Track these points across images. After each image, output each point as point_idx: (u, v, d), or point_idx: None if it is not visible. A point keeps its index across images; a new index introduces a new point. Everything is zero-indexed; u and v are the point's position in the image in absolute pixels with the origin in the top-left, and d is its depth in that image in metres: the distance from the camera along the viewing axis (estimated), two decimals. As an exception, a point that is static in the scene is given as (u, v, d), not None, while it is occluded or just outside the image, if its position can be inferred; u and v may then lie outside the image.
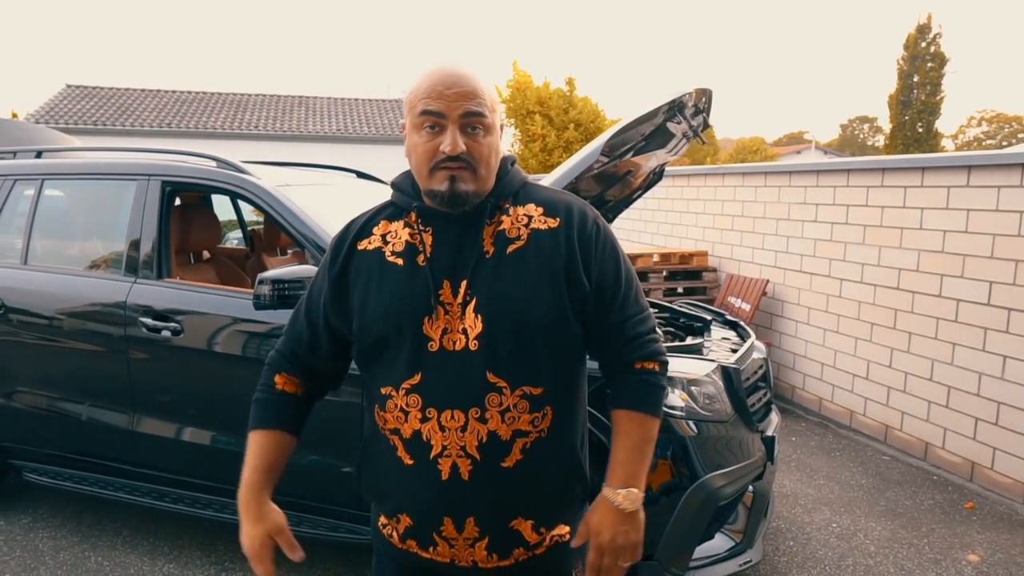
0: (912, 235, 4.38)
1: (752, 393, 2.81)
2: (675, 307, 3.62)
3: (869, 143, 62.79)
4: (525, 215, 1.30)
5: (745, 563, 2.54)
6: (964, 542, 3.34)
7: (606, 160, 2.69)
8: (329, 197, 3.26)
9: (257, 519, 1.33)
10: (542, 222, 1.29)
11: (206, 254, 3.98)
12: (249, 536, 1.32)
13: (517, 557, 1.29)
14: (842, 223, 4.95)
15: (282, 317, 2.63)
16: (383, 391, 1.27)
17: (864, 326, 4.80)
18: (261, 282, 2.49)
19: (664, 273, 6.32)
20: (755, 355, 2.99)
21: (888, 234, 4.56)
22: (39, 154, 3.59)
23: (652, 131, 2.77)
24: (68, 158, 3.66)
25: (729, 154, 44.09)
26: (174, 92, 24.49)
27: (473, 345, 1.22)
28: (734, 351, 2.95)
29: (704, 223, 6.69)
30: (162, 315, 2.84)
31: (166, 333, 2.82)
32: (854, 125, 66.89)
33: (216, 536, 3.20)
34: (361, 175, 4.12)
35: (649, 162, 3.24)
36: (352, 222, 1.38)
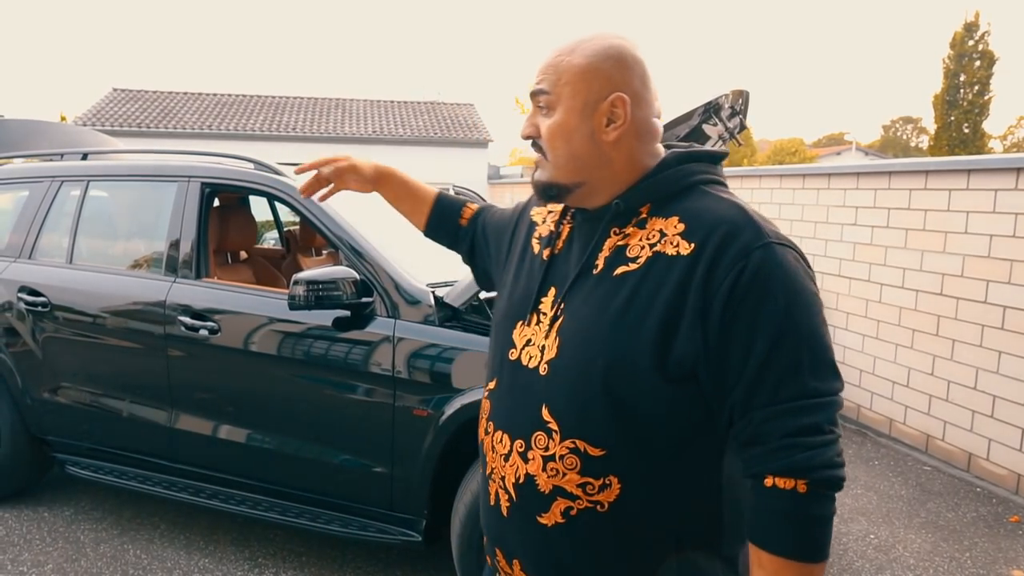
0: (957, 239, 4.25)
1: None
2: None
3: (912, 144, 61.33)
4: (659, 231, 1.00)
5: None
6: (1009, 557, 3.23)
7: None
8: (362, 198, 3.29)
9: (357, 160, 1.46)
10: (672, 244, 0.97)
11: (243, 254, 4.05)
12: (341, 156, 1.45)
13: None
14: (883, 227, 4.83)
15: (316, 317, 2.67)
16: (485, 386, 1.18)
17: (905, 332, 4.68)
18: (296, 283, 2.53)
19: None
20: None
21: (931, 238, 4.43)
22: (85, 156, 3.69)
23: (687, 133, 2.74)
24: (112, 160, 3.76)
25: (767, 155, 43.45)
26: (215, 95, 25.04)
27: (543, 369, 1.03)
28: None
29: (740, 226, 6.59)
30: (200, 314, 2.90)
31: (204, 332, 2.87)
32: (897, 126, 65.43)
33: (250, 532, 3.25)
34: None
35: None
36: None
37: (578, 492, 0.99)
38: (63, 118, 23.82)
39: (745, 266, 0.92)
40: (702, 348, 0.93)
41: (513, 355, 1.08)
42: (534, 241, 1.18)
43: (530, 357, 1.05)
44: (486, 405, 1.13)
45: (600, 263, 1.03)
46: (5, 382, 3.37)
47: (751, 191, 6.39)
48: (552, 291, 1.07)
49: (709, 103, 2.57)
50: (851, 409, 5.21)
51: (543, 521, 1.01)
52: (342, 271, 2.59)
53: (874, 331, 4.96)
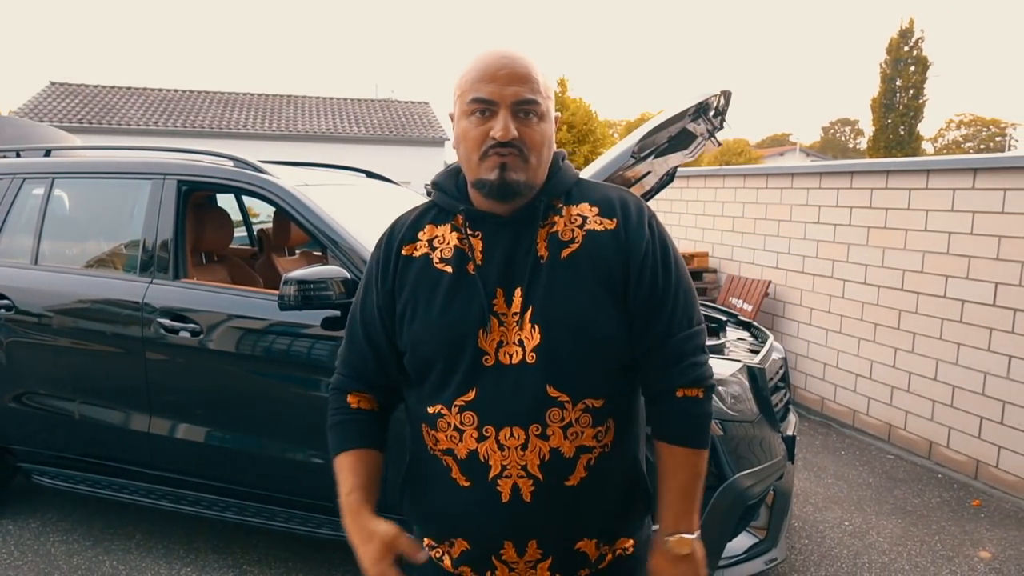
0: (917, 237, 4.43)
1: (774, 393, 2.83)
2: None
3: (851, 146, 63.52)
4: (579, 215, 1.20)
5: (771, 561, 2.56)
6: (974, 539, 3.38)
7: (632, 163, 2.70)
8: (344, 197, 3.24)
9: (367, 538, 1.20)
10: (598, 223, 1.20)
11: (216, 254, 3.93)
12: (366, 556, 1.19)
13: None
14: (845, 225, 5.00)
15: (305, 317, 2.62)
16: (431, 410, 1.18)
17: (867, 327, 4.85)
18: (286, 283, 2.47)
19: (665, 274, 6.33)
20: (775, 355, 3.01)
21: (892, 236, 4.61)
22: (48, 152, 3.53)
23: (676, 133, 2.78)
24: (79, 156, 3.61)
25: (713, 156, 44.36)
26: (161, 90, 24.25)
27: (531, 358, 1.14)
28: (753, 351, 2.97)
29: (704, 224, 6.73)
30: (180, 315, 2.81)
31: (184, 334, 2.79)
32: (836, 127, 67.65)
33: (232, 538, 3.17)
34: (371, 175, 4.10)
35: (665, 165, 3.26)
36: (394, 226, 1.29)
37: (593, 443, 1.17)
38: (-4, 113, 22.72)
39: (651, 229, 1.22)
40: (641, 291, 1.18)
41: (489, 361, 1.16)
42: (437, 265, 1.21)
43: (509, 355, 1.15)
44: (469, 416, 1.15)
45: (544, 253, 1.17)
46: (-35, 389, 3.20)
47: (715, 190, 6.52)
48: (499, 293, 1.16)
49: (700, 103, 2.62)
50: (815, 402, 5.38)
51: (570, 483, 1.16)
52: (332, 270, 2.54)
53: (837, 326, 5.12)
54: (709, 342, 2.98)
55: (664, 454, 1.22)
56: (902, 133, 32.43)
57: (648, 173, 3.18)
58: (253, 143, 21.07)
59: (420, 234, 1.25)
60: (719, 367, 2.59)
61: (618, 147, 2.73)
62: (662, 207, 7.43)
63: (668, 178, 3.53)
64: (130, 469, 3.02)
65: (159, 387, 2.89)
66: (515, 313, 1.15)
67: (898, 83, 32.57)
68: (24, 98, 22.46)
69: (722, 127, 3.27)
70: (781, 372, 2.99)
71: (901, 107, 32.45)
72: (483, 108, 1.14)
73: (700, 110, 2.68)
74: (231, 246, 4.82)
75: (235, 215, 4.89)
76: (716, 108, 2.99)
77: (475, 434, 1.15)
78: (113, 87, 23.87)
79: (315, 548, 3.09)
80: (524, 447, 1.13)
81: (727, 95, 3.06)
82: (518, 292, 1.16)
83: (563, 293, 1.15)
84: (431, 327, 1.18)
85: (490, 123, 1.14)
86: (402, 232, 1.27)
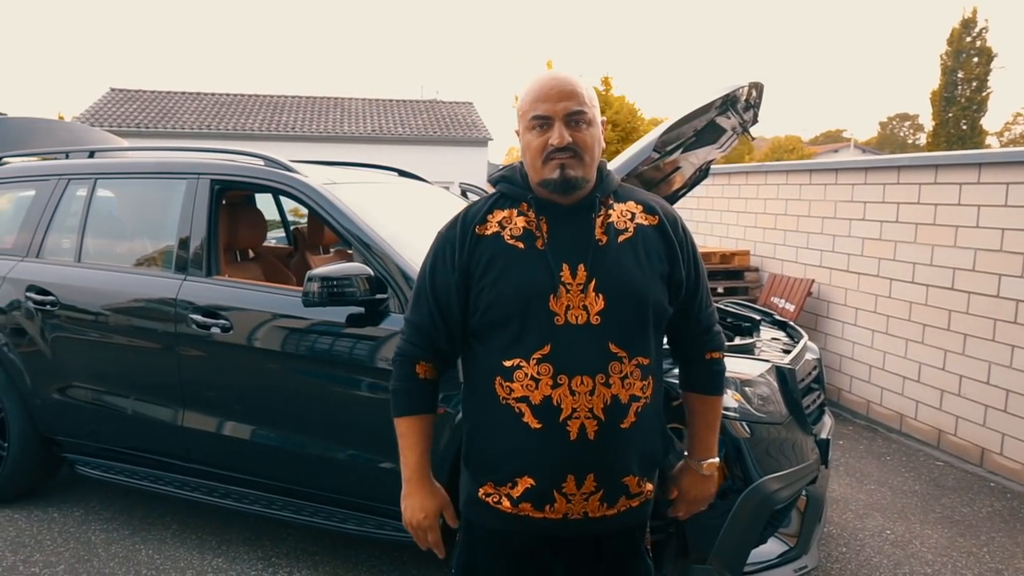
0: (968, 234, 4.24)
1: (806, 395, 2.74)
2: (722, 307, 3.55)
3: (910, 141, 61.33)
4: (629, 211, 1.49)
5: (800, 569, 2.47)
6: (1026, 552, 3.21)
7: (656, 157, 2.65)
8: (374, 195, 3.26)
9: (431, 494, 1.53)
10: (644, 219, 1.49)
11: (251, 252, 4.01)
12: (424, 509, 1.52)
13: (619, 508, 1.45)
14: (892, 221, 4.81)
15: (330, 314, 2.64)
16: (508, 363, 1.40)
17: (915, 327, 4.66)
18: (310, 279, 2.50)
19: (705, 273, 6.21)
20: (808, 356, 2.91)
21: (942, 232, 4.42)
22: (92, 154, 3.66)
23: (703, 126, 2.71)
24: (120, 158, 3.73)
25: (764, 153, 43.39)
26: (213, 94, 24.96)
27: (595, 320, 1.39)
28: (785, 352, 2.88)
29: (745, 222, 6.58)
30: (211, 312, 2.87)
31: (215, 330, 2.84)
32: (894, 123, 65.43)
33: (263, 531, 3.23)
34: (403, 174, 4.12)
35: (696, 159, 3.18)
36: (466, 213, 1.50)
37: (640, 393, 1.43)
38: (61, 118, 23.77)
39: (685, 231, 1.54)
40: (683, 278, 1.51)
41: (559, 321, 1.39)
42: (509, 240, 1.44)
43: (576, 317, 1.39)
44: (546, 368, 1.38)
45: (602, 237, 1.43)
46: (14, 382, 3.34)
47: (756, 187, 6.37)
48: (565, 266, 1.40)
49: (727, 95, 2.55)
50: (861, 405, 5.20)
51: (624, 426, 1.41)
52: (356, 267, 2.56)
53: (883, 326, 4.94)
54: (740, 342, 2.91)
55: (695, 402, 1.64)
56: (964, 128, 31.19)
57: (678, 168, 3.11)
58: (301, 145, 21.50)
59: (489, 216, 1.47)
60: (746, 367, 2.51)
61: (640, 142, 2.68)
62: (702, 205, 7.29)
63: (702, 174, 3.45)
64: (165, 461, 3.11)
65: (191, 382, 2.96)
66: (579, 284, 1.40)
67: (960, 75, 31.33)
68: (86, 104, 23.37)
69: (756, 121, 3.19)
70: (815, 373, 2.89)
71: (963, 100, 31.22)
72: (541, 123, 1.41)
73: (727, 103, 2.61)
74: (269, 245, 4.92)
75: (275, 216, 4.99)
76: (747, 101, 2.90)
77: (550, 382, 1.38)
78: (168, 92, 24.67)
79: (342, 543, 3.12)
80: (592, 393, 1.38)
81: (759, 88, 2.97)
82: (581, 267, 1.41)
83: (624, 269, 1.43)
84: (510, 289, 1.40)
85: (548, 134, 1.40)
86: (473, 215, 1.48)
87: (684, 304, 1.53)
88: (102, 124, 20.65)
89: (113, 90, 24.22)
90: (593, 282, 1.40)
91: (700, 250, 5.83)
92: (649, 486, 1.52)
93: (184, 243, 3.05)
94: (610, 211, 1.47)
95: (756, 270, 6.33)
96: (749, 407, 2.42)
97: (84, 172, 3.44)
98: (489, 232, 1.45)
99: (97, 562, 2.97)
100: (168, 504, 3.42)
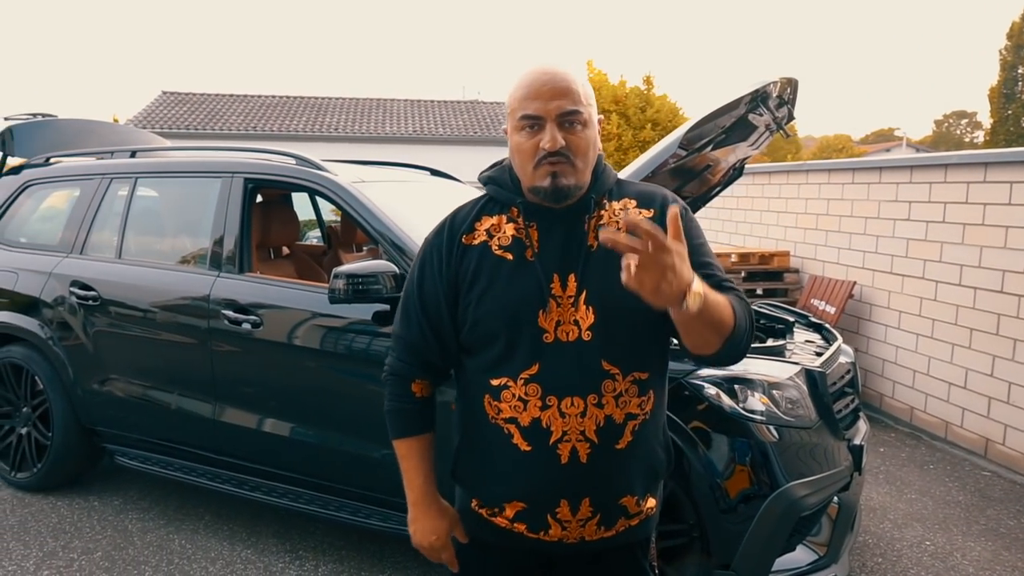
0: (1019, 234, 4.06)
1: (839, 399, 2.66)
2: (755, 308, 3.48)
3: (967, 140, 59.26)
4: (621, 209, 1.36)
5: (829, 578, 2.40)
6: (1077, 568, 3.06)
7: (684, 154, 2.60)
8: (403, 193, 3.29)
9: (441, 515, 1.45)
10: (637, 214, 1.34)
11: (285, 250, 4.09)
12: (435, 531, 1.44)
13: (619, 528, 1.37)
14: (939, 222, 4.64)
15: (356, 311, 2.66)
16: (496, 382, 1.31)
17: (962, 332, 4.48)
18: (336, 276, 2.52)
19: (743, 274, 6.10)
20: (842, 359, 2.83)
21: (991, 233, 4.24)
22: (133, 154, 3.77)
23: (733, 123, 2.65)
24: (159, 157, 3.83)
25: (812, 152, 42.45)
26: (259, 96, 25.53)
27: (587, 335, 1.28)
28: (819, 354, 2.80)
29: (785, 222, 6.43)
30: (243, 308, 2.93)
31: (246, 326, 2.90)
32: (950, 121, 63.30)
33: (291, 525, 3.28)
34: (434, 172, 4.14)
35: (729, 157, 3.12)
36: (452, 219, 1.40)
37: (638, 411, 1.32)
38: (115, 120, 24.59)
39: (685, 212, 1.33)
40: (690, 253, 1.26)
41: (548, 338, 1.29)
42: (497, 251, 1.33)
43: (567, 333, 1.29)
44: (534, 388, 1.29)
45: (594, 243, 1.30)
46: (58, 374, 3.46)
47: (797, 186, 6.22)
48: (556, 278, 1.29)
49: (756, 91, 2.49)
50: (904, 411, 5.03)
51: (619, 447, 1.31)
52: (382, 265, 2.57)
53: (929, 330, 4.77)
54: (770, 343, 2.84)
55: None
56: (1024, 125, 29.97)
57: (708, 167, 3.05)
58: (344, 145, 21.83)
59: (477, 224, 1.37)
60: (775, 369, 2.45)
61: (664, 141, 2.64)
62: (741, 205, 7.16)
63: (736, 172, 3.39)
64: (198, 453, 3.18)
65: (224, 376, 3.02)
66: (570, 296, 1.29)
67: (1020, 71, 30.11)
68: (139, 107, 24.16)
69: (791, 118, 3.11)
70: (848, 377, 2.80)
71: (1023, 96, 29.97)
72: (532, 123, 1.27)
73: (757, 99, 2.55)
74: (307, 243, 5.00)
75: (312, 215, 5.07)
76: (780, 98, 2.84)
77: (539, 403, 1.29)
78: (217, 95, 25.32)
79: (368, 539, 3.15)
80: (583, 414, 1.28)
81: (793, 84, 2.90)
82: (572, 277, 1.29)
83: (614, 277, 1.20)
84: (496, 306, 1.30)
85: (539, 136, 1.27)
86: (460, 223, 1.38)
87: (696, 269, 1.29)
88: (153, 126, 21.31)
89: (165, 93, 24.98)
90: (584, 293, 1.29)
91: (738, 251, 5.74)
92: (651, 502, 1.42)
93: (218, 240, 3.12)
94: (604, 212, 1.35)
95: (796, 271, 6.18)
96: (777, 410, 2.36)
97: (125, 172, 3.55)
98: (476, 242, 1.35)
99: (132, 550, 3.05)
100: (202, 495, 3.51)
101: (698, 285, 1.11)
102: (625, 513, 1.36)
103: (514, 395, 1.29)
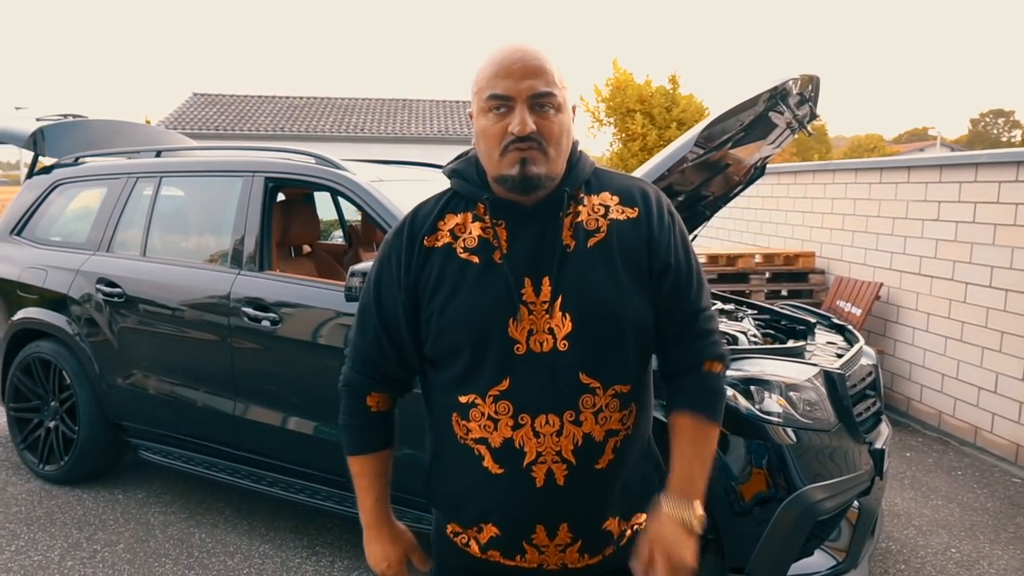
0: (1052, 235, 3.95)
1: (859, 401, 2.61)
2: (776, 309, 3.43)
3: (1004, 139, 57.91)
4: (601, 205, 1.23)
5: (848, 584, 2.36)
6: (1110, 579, 2.97)
7: (701, 152, 2.57)
8: (423, 192, 3.28)
9: (394, 540, 1.35)
10: (620, 212, 1.22)
11: (306, 248, 4.13)
12: (387, 558, 1.33)
13: (606, 554, 1.25)
14: (968, 222, 4.54)
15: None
16: (464, 399, 1.19)
17: (993, 335, 4.37)
18: (352, 274, 2.54)
19: (767, 275, 6.02)
20: (863, 361, 2.77)
21: (1023, 234, 4.13)
22: (158, 154, 3.83)
23: (752, 121, 2.62)
24: (182, 157, 3.89)
25: (843, 152, 41.77)
26: (287, 98, 25.84)
27: (562, 345, 1.16)
28: (839, 356, 2.75)
29: (811, 222, 6.33)
30: (263, 306, 2.96)
31: (266, 323, 2.93)
32: (987, 119, 61.92)
33: (309, 521, 3.31)
34: (454, 172, 4.15)
35: (750, 155, 3.08)
36: (413, 218, 1.26)
37: (619, 426, 1.21)
38: (148, 121, 25.07)
39: (671, 216, 1.25)
40: (667, 276, 1.22)
41: (520, 349, 1.16)
42: (462, 254, 1.20)
43: (540, 343, 1.16)
44: (504, 406, 1.17)
45: (569, 242, 1.18)
46: (85, 370, 3.54)
47: (823, 186, 6.12)
48: (527, 282, 1.17)
49: (775, 88, 2.45)
50: (932, 415, 4.92)
51: (599, 467, 1.19)
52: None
53: (958, 333, 4.66)
54: (791, 344, 2.79)
55: (684, 425, 1.24)
56: (1063, 123, 29.14)
57: (728, 165, 3.01)
58: (370, 146, 21.99)
59: (440, 224, 1.24)
60: (793, 371, 2.41)
61: (681, 139, 2.61)
62: (767, 205, 7.07)
63: (758, 172, 3.34)
64: (219, 449, 3.22)
65: (243, 373, 3.06)
66: (544, 302, 1.16)
67: (1059, 68, 29.27)
68: (171, 108, 24.61)
69: (813, 116, 3.06)
70: (870, 379, 2.75)
71: (1062, 94, 29.17)
72: (500, 104, 1.15)
73: (776, 97, 2.51)
74: (329, 242, 5.04)
75: (335, 215, 5.12)
76: (802, 95, 2.79)
77: (510, 422, 1.17)
78: (246, 96, 25.68)
79: (385, 535, 3.16)
80: (559, 433, 1.16)
81: (815, 81, 2.85)
82: (546, 281, 1.17)
83: (593, 281, 1.17)
84: (460, 316, 1.17)
85: (508, 119, 1.14)
86: (421, 223, 1.25)
87: (673, 305, 1.22)
88: (184, 127, 21.67)
89: (195, 95, 25.39)
90: (559, 299, 1.16)
91: (763, 251, 5.65)
92: (641, 518, 1.29)
93: (239, 239, 3.16)
94: (581, 207, 1.21)
95: (821, 272, 6.09)
96: (794, 412, 2.33)
97: (150, 171, 3.61)
98: (439, 244, 1.21)
99: (154, 543, 3.11)
100: (223, 490, 3.55)
101: (697, 516, 1.19)
102: (610, 539, 1.25)
103: (483, 414, 1.18)
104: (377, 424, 1.32)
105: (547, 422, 1.16)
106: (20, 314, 3.76)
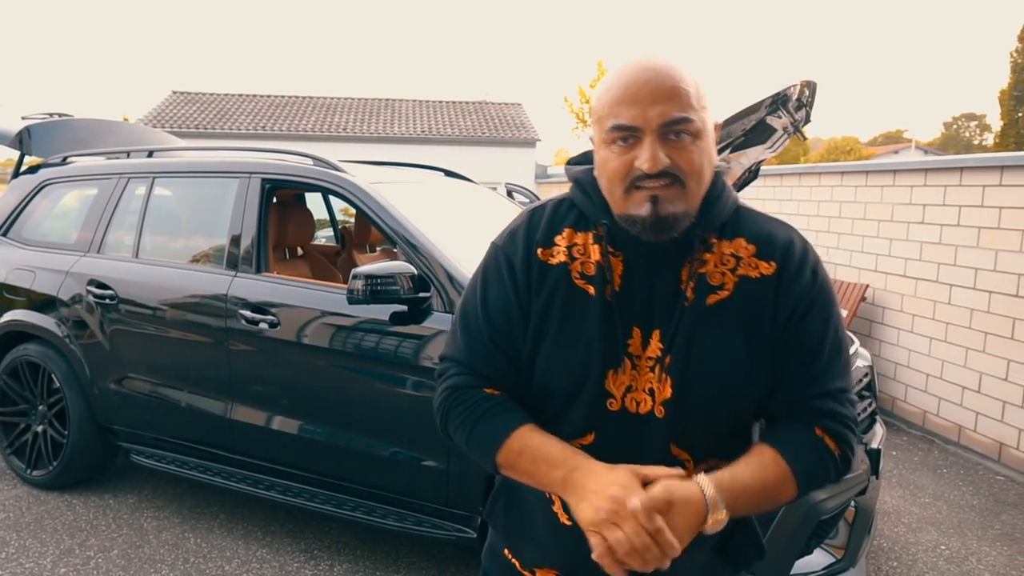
0: (1035, 238, 4.04)
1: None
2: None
3: (976, 142, 59.04)
4: (732, 256, 1.05)
5: (847, 583, 2.40)
6: (1094, 574, 3.05)
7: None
8: (420, 195, 3.30)
9: (610, 466, 1.02)
10: (752, 267, 1.05)
11: (300, 250, 4.10)
12: (616, 480, 0.98)
13: None
14: (953, 225, 4.63)
15: (374, 312, 2.67)
16: None
17: (977, 336, 4.47)
18: (355, 277, 2.53)
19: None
20: (858, 362, 2.82)
21: (1007, 237, 4.23)
22: (151, 154, 3.79)
23: (752, 126, 2.65)
24: (176, 157, 3.85)
25: (820, 154, 42.33)
26: (268, 96, 25.60)
27: (659, 411, 1.03)
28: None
29: (798, 224, 6.31)
30: (260, 308, 2.94)
31: (263, 325, 2.91)
32: (959, 123, 63.09)
33: (306, 524, 3.29)
34: (449, 174, 4.15)
35: (745, 159, 3.12)
36: (527, 224, 1.12)
37: None
38: (126, 119, 24.71)
39: (813, 277, 1.07)
40: (791, 346, 1.05)
41: (614, 405, 1.05)
42: (578, 280, 1.06)
43: (637, 403, 1.05)
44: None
45: (689, 294, 1.03)
46: (75, 372, 3.48)
47: (810, 188, 6.21)
48: (636, 332, 1.04)
49: (777, 94, 2.49)
50: (916, 415, 5.01)
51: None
52: (400, 266, 2.58)
53: (942, 334, 4.75)
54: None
55: (764, 455, 1.03)
56: (1034, 128, 29.80)
57: (727, 169, 3.05)
58: (353, 145, 21.87)
59: (558, 238, 1.10)
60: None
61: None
62: (753, 207, 7.13)
63: (752, 175, 3.38)
64: (214, 452, 3.19)
65: (240, 376, 3.04)
66: (650, 358, 1.04)
67: (1030, 73, 29.93)
68: (150, 106, 24.26)
69: (808, 120, 3.11)
70: (865, 380, 2.79)
71: (1033, 99, 29.82)
72: (625, 135, 0.99)
73: (777, 102, 2.55)
74: (318, 243, 5.01)
75: (324, 215, 5.09)
76: (799, 100, 2.83)
77: None
78: (226, 95, 25.40)
79: (383, 539, 3.15)
80: None
81: (812, 86, 2.90)
82: (656, 335, 1.04)
83: (704, 346, 1.03)
84: (558, 356, 1.06)
85: (635, 151, 0.99)
86: (537, 233, 1.11)
87: (793, 380, 1.06)
88: (164, 125, 21.39)
89: (175, 93, 25.07)
90: (667, 359, 1.02)
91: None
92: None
93: (235, 240, 3.13)
94: (708, 255, 1.05)
95: (808, 274, 6.17)
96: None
97: (143, 171, 3.57)
98: (554, 261, 1.08)
99: (148, 548, 3.07)
100: (217, 494, 3.52)
101: (717, 514, 0.96)
102: None
103: None
104: (507, 399, 1.11)
105: None
106: (7, 316, 3.69)
